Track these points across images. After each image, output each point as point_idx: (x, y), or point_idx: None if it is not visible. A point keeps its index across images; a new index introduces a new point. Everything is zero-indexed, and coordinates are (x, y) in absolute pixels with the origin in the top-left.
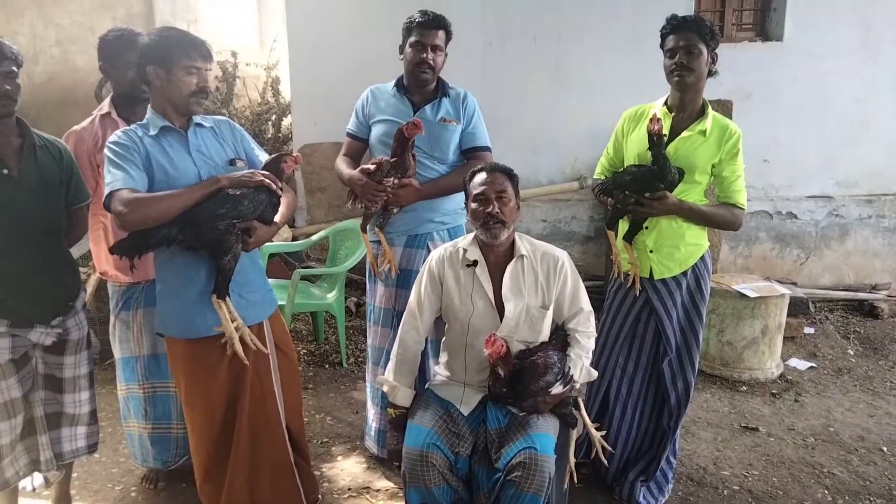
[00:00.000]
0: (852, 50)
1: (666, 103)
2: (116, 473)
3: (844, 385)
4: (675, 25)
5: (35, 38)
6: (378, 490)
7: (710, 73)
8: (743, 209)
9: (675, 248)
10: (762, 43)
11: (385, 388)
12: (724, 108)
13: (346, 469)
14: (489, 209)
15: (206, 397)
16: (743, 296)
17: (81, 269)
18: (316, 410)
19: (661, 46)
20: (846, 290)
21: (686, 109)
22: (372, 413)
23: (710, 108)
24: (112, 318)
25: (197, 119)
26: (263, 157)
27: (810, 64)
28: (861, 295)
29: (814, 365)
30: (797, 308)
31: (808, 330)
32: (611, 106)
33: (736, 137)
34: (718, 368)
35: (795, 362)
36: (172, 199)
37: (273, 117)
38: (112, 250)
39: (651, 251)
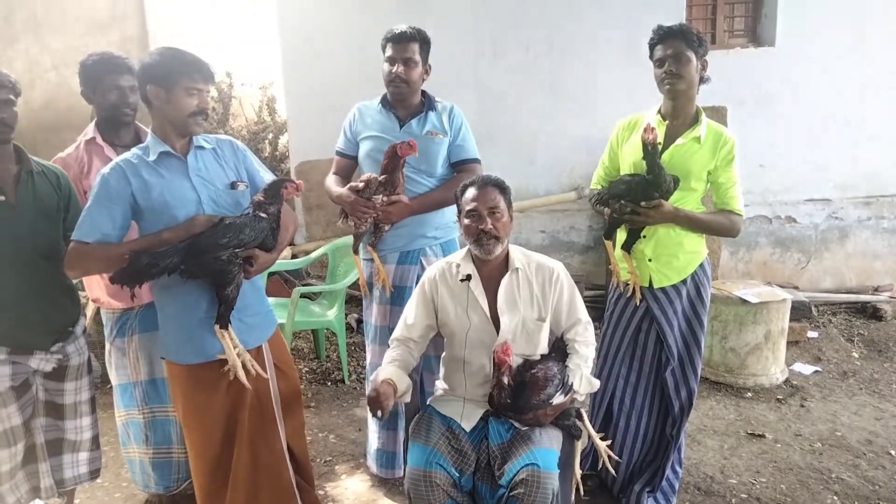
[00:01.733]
0: (844, 52)
1: (659, 112)
2: (119, 499)
3: (850, 388)
4: (662, 35)
5: (31, 64)
6: None
7: (702, 80)
8: (741, 216)
9: (673, 256)
10: (754, 49)
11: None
12: (719, 114)
13: (350, 488)
14: (482, 225)
15: (205, 420)
16: (745, 302)
17: (81, 293)
18: (319, 429)
19: (651, 57)
20: (848, 292)
21: (679, 117)
22: (372, 432)
23: (703, 115)
24: (107, 346)
25: (199, 141)
26: (268, 176)
27: (803, 68)
28: (864, 297)
29: (818, 369)
30: (800, 312)
31: (812, 334)
32: (606, 115)
33: (731, 145)
34: (723, 375)
35: (800, 367)
36: (111, 254)
37: (270, 136)
38: (112, 279)
39: (650, 260)
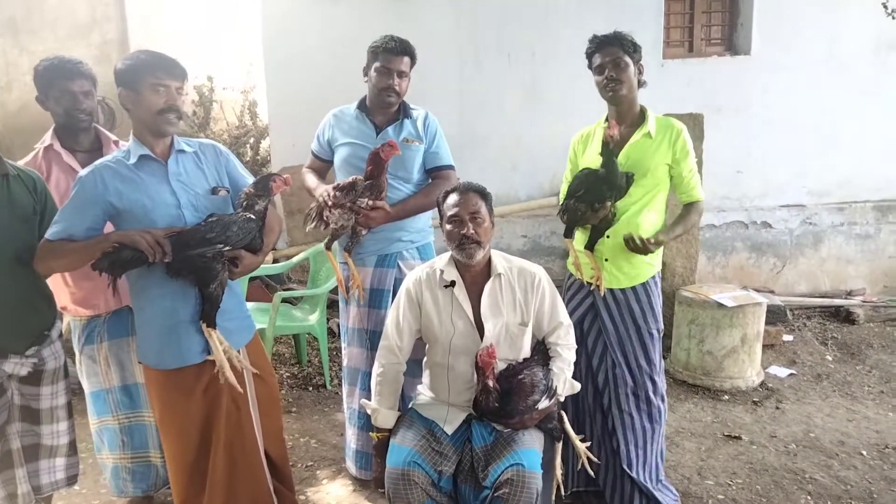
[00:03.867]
0: (819, 61)
1: (607, 120)
2: None
3: (824, 391)
4: (598, 43)
5: (8, 66)
6: None
7: (640, 84)
8: (702, 201)
9: (626, 262)
10: (731, 57)
11: (369, 412)
12: (696, 121)
13: (332, 492)
14: (464, 231)
15: (181, 425)
16: (721, 305)
17: None
18: (300, 434)
19: (589, 66)
20: (822, 296)
21: (625, 120)
22: (350, 434)
23: (648, 111)
24: (77, 354)
25: (180, 145)
26: (252, 180)
27: (778, 76)
28: (837, 301)
29: (793, 372)
30: (775, 316)
31: (787, 337)
32: (587, 120)
33: (683, 134)
34: (700, 378)
35: (775, 370)
36: (75, 255)
37: (251, 140)
38: (95, 266)
39: (606, 259)
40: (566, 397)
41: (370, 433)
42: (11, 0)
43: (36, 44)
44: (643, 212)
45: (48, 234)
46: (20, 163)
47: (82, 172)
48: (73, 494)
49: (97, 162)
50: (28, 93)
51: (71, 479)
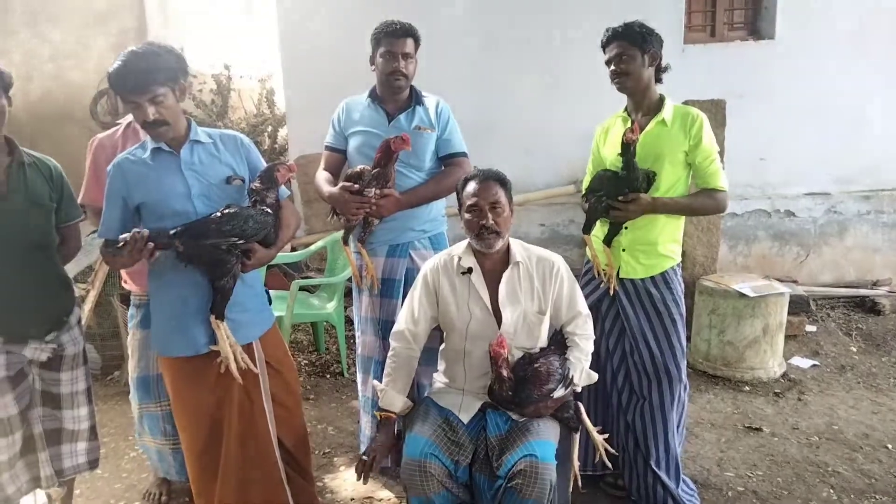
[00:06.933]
0: (845, 45)
1: (626, 109)
2: (119, 489)
3: (848, 382)
4: (609, 37)
5: (29, 56)
6: (381, 500)
7: (662, 70)
8: (724, 191)
9: (643, 253)
10: (754, 42)
11: (378, 394)
12: (718, 107)
13: (349, 479)
14: (483, 221)
15: (192, 413)
16: (742, 295)
17: (80, 285)
18: (318, 421)
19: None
20: (847, 286)
21: (641, 109)
22: (365, 421)
23: (667, 99)
24: (130, 332)
25: (196, 135)
26: None
27: (803, 61)
28: (862, 291)
29: (816, 363)
30: (798, 306)
31: (810, 328)
32: (604, 107)
33: (700, 121)
34: (720, 369)
35: (798, 361)
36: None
37: (269, 128)
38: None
39: (623, 250)
40: (584, 387)
41: (374, 411)
42: None
43: (55, 33)
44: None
45: (99, 234)
46: (101, 135)
47: (108, 167)
48: (95, 478)
49: (119, 155)
50: (49, 82)
51: (92, 464)
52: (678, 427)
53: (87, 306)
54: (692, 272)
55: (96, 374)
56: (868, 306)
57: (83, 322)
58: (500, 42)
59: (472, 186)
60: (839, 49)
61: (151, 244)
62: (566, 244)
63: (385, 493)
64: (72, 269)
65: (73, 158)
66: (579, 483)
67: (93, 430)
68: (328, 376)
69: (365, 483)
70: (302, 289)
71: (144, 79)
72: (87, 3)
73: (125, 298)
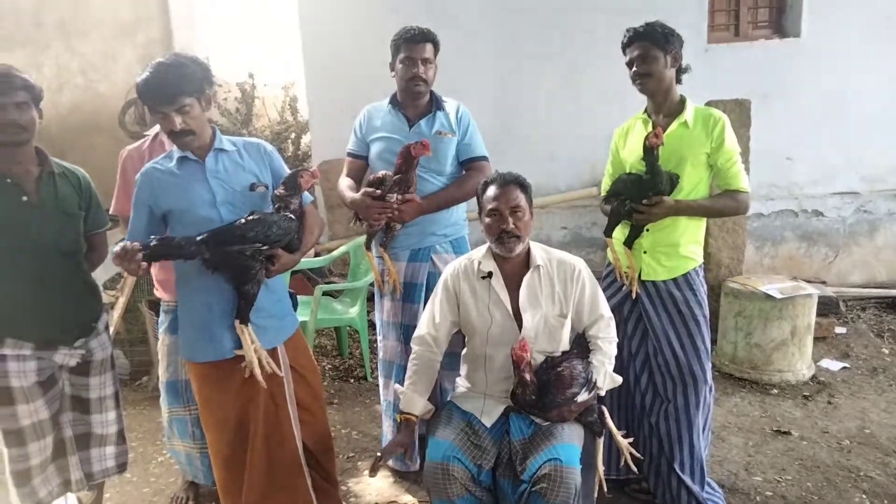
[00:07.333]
0: (873, 43)
1: (646, 111)
2: (147, 493)
3: (880, 385)
4: (630, 38)
5: (60, 69)
6: None
7: (682, 70)
8: (746, 192)
9: (665, 255)
10: (779, 40)
11: (401, 398)
12: (742, 107)
13: (373, 483)
14: (503, 225)
15: (218, 418)
16: (769, 297)
17: (109, 291)
18: (342, 425)
19: (625, 60)
20: (878, 287)
21: (662, 110)
22: (387, 426)
23: (688, 101)
24: (160, 337)
25: (221, 143)
26: None
27: (830, 59)
28: (894, 292)
29: (847, 365)
30: (827, 307)
31: (840, 329)
32: (626, 109)
33: (721, 123)
34: (747, 372)
35: (827, 363)
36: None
37: (292, 135)
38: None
39: (645, 252)
40: (608, 391)
41: (395, 414)
42: (59, 2)
43: (85, 46)
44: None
45: (127, 239)
46: (131, 146)
47: (137, 176)
48: (124, 482)
49: (147, 164)
50: (79, 94)
51: (121, 467)
52: (703, 430)
53: (116, 312)
54: (717, 274)
55: (125, 379)
56: None
57: (112, 328)
58: (520, 45)
59: (492, 191)
60: (865, 46)
61: (141, 257)
62: (589, 247)
63: (408, 498)
64: (101, 275)
65: (101, 168)
66: (605, 488)
67: (121, 434)
68: (352, 381)
69: (371, 475)
70: (325, 294)
71: (171, 90)
72: (114, 15)
73: (153, 305)
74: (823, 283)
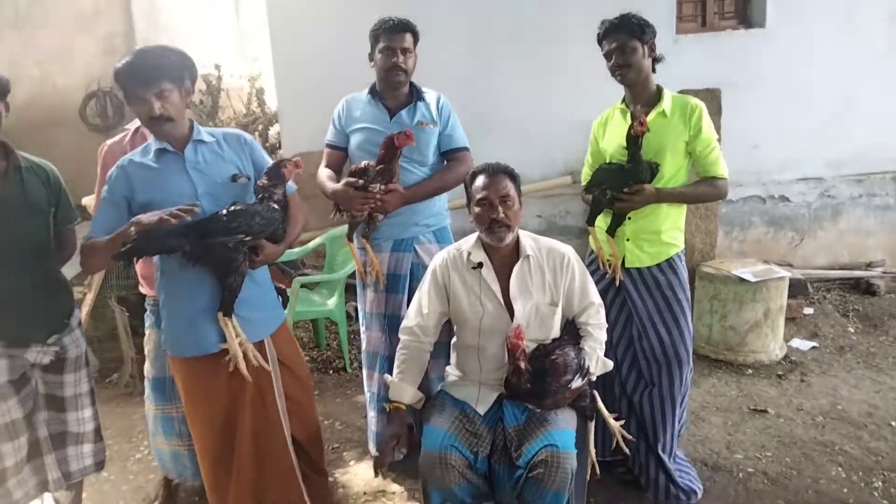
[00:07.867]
0: (835, 31)
1: (623, 101)
2: (127, 491)
3: (848, 363)
4: (606, 30)
5: (14, 62)
6: (393, 493)
7: (657, 60)
8: (724, 178)
9: (647, 242)
10: (745, 30)
11: (390, 387)
12: (713, 96)
13: (360, 474)
14: (494, 215)
15: (204, 413)
16: (743, 281)
17: (77, 287)
18: (324, 416)
19: (602, 51)
20: (842, 269)
21: (640, 100)
22: (371, 417)
23: (665, 90)
24: (147, 333)
25: (200, 135)
26: None
27: (794, 48)
28: (857, 273)
29: (816, 345)
30: (796, 289)
31: (808, 310)
32: (599, 98)
33: (699, 111)
34: (723, 353)
35: (798, 343)
36: (97, 254)
37: (260, 127)
38: (115, 257)
39: (627, 240)
40: (597, 376)
41: (384, 403)
42: None
43: (42, 38)
44: None
45: (90, 233)
46: (110, 140)
47: (111, 170)
48: (102, 481)
49: (123, 157)
50: (35, 87)
51: (99, 465)
52: (681, 406)
53: (85, 309)
54: (691, 259)
55: (94, 376)
56: (863, 288)
57: (82, 324)
58: (492, 34)
59: (481, 180)
60: (829, 33)
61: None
62: (563, 235)
63: (396, 487)
64: (69, 271)
65: (62, 162)
66: (597, 470)
67: (97, 432)
68: (331, 372)
69: (376, 476)
70: (302, 286)
71: (151, 73)
72: (72, 5)
73: (122, 300)
74: (790, 265)
